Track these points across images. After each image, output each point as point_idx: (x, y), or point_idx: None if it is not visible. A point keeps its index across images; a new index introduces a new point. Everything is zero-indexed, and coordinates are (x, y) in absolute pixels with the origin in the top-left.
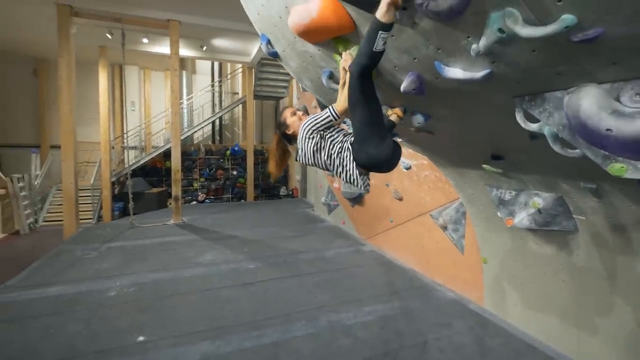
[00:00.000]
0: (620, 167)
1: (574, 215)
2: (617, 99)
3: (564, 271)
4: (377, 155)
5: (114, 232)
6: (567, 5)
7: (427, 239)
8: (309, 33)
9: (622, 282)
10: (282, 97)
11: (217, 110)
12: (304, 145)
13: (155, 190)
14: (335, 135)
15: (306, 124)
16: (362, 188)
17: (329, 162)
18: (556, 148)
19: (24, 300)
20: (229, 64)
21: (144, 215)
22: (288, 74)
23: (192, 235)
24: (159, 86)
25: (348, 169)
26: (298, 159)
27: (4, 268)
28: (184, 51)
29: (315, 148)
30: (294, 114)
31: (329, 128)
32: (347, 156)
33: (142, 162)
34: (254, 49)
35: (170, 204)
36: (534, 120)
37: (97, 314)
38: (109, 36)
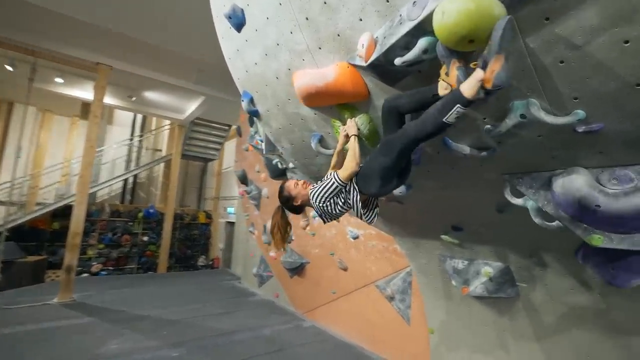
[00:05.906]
0: (598, 238)
1: (517, 283)
2: (598, 181)
3: (508, 336)
4: (375, 192)
5: None
6: (581, 102)
7: (372, 311)
8: (318, 96)
9: (557, 348)
10: (211, 160)
11: (132, 166)
12: (322, 211)
13: (30, 258)
14: (345, 192)
15: (316, 195)
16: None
17: (345, 208)
18: (537, 220)
19: None
20: (154, 119)
21: (15, 292)
22: (221, 137)
23: (86, 317)
24: (61, 133)
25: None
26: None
27: None
28: (109, 99)
29: (335, 211)
30: (296, 184)
31: (340, 193)
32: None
33: (20, 221)
34: (190, 107)
35: (50, 276)
36: (519, 195)
37: None
38: (9, 68)
